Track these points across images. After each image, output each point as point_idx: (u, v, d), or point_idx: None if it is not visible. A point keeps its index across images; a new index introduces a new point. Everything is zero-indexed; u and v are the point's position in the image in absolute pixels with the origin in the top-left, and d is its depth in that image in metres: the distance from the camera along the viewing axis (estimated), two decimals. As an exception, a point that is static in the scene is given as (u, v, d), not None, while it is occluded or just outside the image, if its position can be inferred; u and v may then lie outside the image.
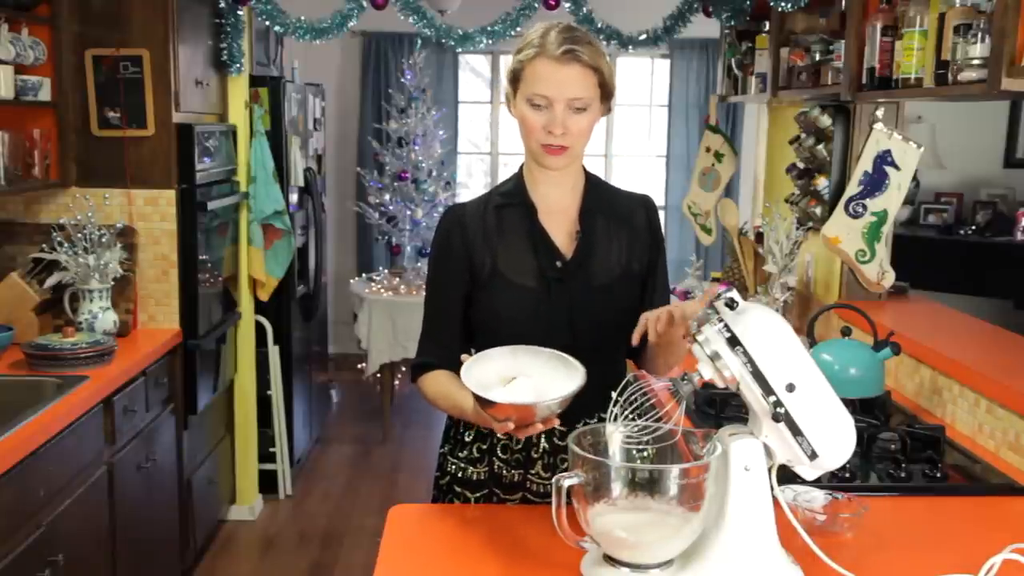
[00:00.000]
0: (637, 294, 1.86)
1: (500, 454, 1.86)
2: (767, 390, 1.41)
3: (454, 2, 5.15)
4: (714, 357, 1.44)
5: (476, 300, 1.83)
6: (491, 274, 1.81)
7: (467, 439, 1.89)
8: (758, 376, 1.41)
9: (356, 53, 6.58)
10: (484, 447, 1.87)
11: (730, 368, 1.43)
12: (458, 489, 1.89)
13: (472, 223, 1.83)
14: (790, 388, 1.41)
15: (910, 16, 2.54)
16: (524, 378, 1.59)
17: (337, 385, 6.15)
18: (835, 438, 1.44)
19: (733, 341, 1.42)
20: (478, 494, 1.88)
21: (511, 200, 1.85)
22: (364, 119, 6.54)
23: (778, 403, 1.41)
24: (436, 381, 1.85)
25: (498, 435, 1.83)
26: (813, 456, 1.43)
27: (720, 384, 1.46)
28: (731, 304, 1.43)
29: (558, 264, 1.80)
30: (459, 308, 1.85)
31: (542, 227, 1.82)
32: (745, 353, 1.41)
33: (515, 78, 1.76)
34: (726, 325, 1.43)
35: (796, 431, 1.42)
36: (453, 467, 1.91)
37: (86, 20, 3.29)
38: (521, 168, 1.88)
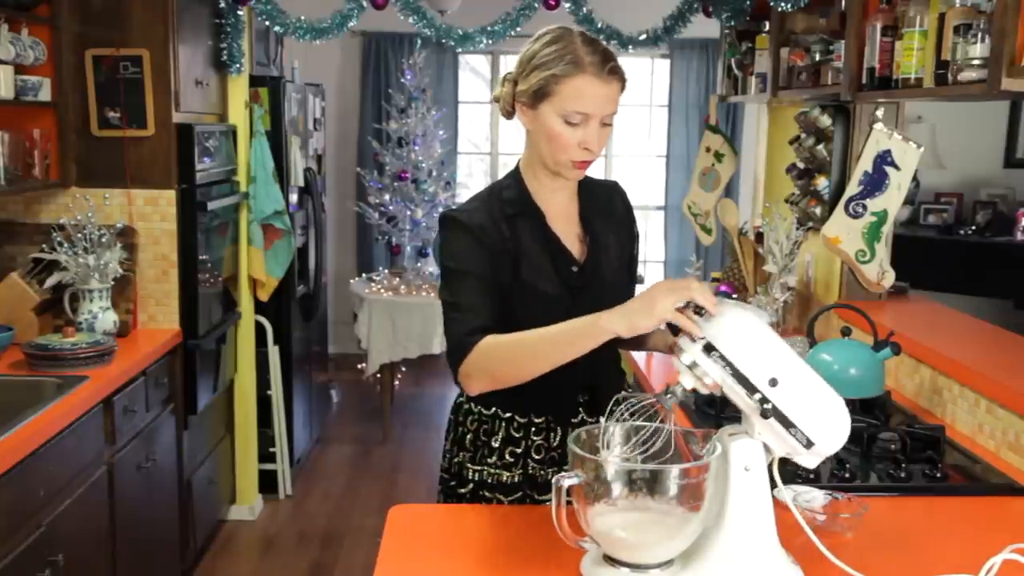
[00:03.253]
0: (628, 282, 1.91)
1: (534, 455, 1.84)
2: (750, 389, 1.41)
3: (454, 2, 5.16)
4: (692, 366, 1.43)
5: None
6: (514, 287, 1.76)
7: (495, 444, 1.85)
8: (739, 377, 1.41)
9: (356, 53, 6.58)
10: (519, 451, 1.84)
11: (710, 374, 1.43)
12: (488, 495, 1.85)
13: (489, 230, 1.75)
14: (773, 383, 1.41)
15: (910, 16, 2.54)
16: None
17: (337, 385, 6.15)
18: (828, 423, 1.44)
19: (708, 347, 1.42)
20: (512, 497, 1.85)
21: (519, 208, 1.80)
22: (364, 119, 6.54)
23: (764, 399, 1.41)
24: (515, 334, 1.62)
25: (532, 437, 1.82)
26: (809, 445, 1.43)
27: (704, 391, 1.46)
28: (699, 311, 1.43)
29: (574, 269, 1.80)
30: (499, 289, 1.73)
31: (555, 234, 1.81)
32: (722, 357, 1.41)
33: (543, 92, 1.70)
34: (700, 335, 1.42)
35: (787, 423, 1.42)
36: (477, 474, 1.86)
37: (86, 20, 3.29)
38: (518, 172, 1.84)
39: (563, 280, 1.79)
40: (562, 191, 1.84)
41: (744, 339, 1.42)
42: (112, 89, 3.31)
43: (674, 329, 1.64)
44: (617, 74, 1.70)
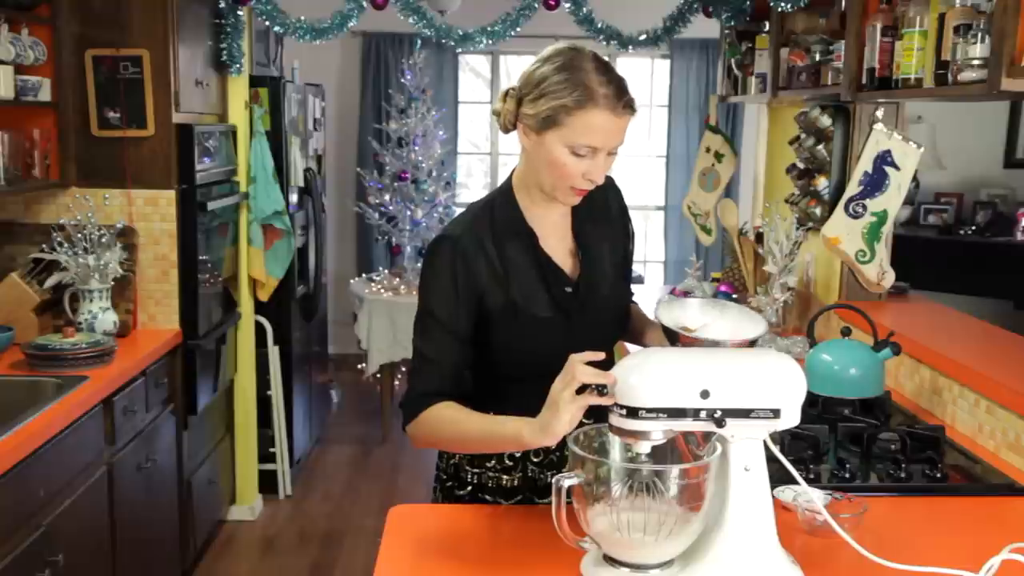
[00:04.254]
0: (624, 283, 1.91)
1: (533, 458, 1.83)
2: (692, 415, 1.40)
3: (454, 2, 5.16)
4: (634, 434, 1.42)
5: (490, 336, 1.75)
6: (505, 310, 1.73)
7: None
8: (674, 412, 1.40)
9: (356, 53, 6.58)
10: (517, 455, 1.83)
11: (653, 432, 1.41)
12: (488, 498, 1.84)
13: (474, 259, 1.71)
14: (705, 395, 1.39)
15: (910, 16, 2.54)
16: (711, 325, 1.65)
17: (337, 385, 6.15)
18: (778, 385, 1.43)
19: (631, 411, 1.40)
20: (511, 501, 1.84)
21: (510, 234, 1.75)
22: (364, 119, 6.54)
23: (710, 413, 1.40)
24: (460, 412, 1.66)
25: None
26: (777, 414, 1.42)
27: (663, 441, 1.44)
28: (601, 391, 1.41)
29: (567, 290, 1.77)
30: (470, 341, 1.73)
31: (546, 255, 1.77)
32: (648, 411, 1.39)
33: (551, 121, 1.63)
34: (616, 404, 1.41)
35: (744, 414, 1.41)
36: (476, 476, 1.85)
37: (86, 20, 3.29)
38: (510, 189, 1.79)
39: (556, 303, 1.75)
40: (558, 208, 1.79)
41: (652, 381, 1.40)
42: (112, 89, 3.31)
43: (671, 336, 1.63)
44: (630, 107, 1.65)
